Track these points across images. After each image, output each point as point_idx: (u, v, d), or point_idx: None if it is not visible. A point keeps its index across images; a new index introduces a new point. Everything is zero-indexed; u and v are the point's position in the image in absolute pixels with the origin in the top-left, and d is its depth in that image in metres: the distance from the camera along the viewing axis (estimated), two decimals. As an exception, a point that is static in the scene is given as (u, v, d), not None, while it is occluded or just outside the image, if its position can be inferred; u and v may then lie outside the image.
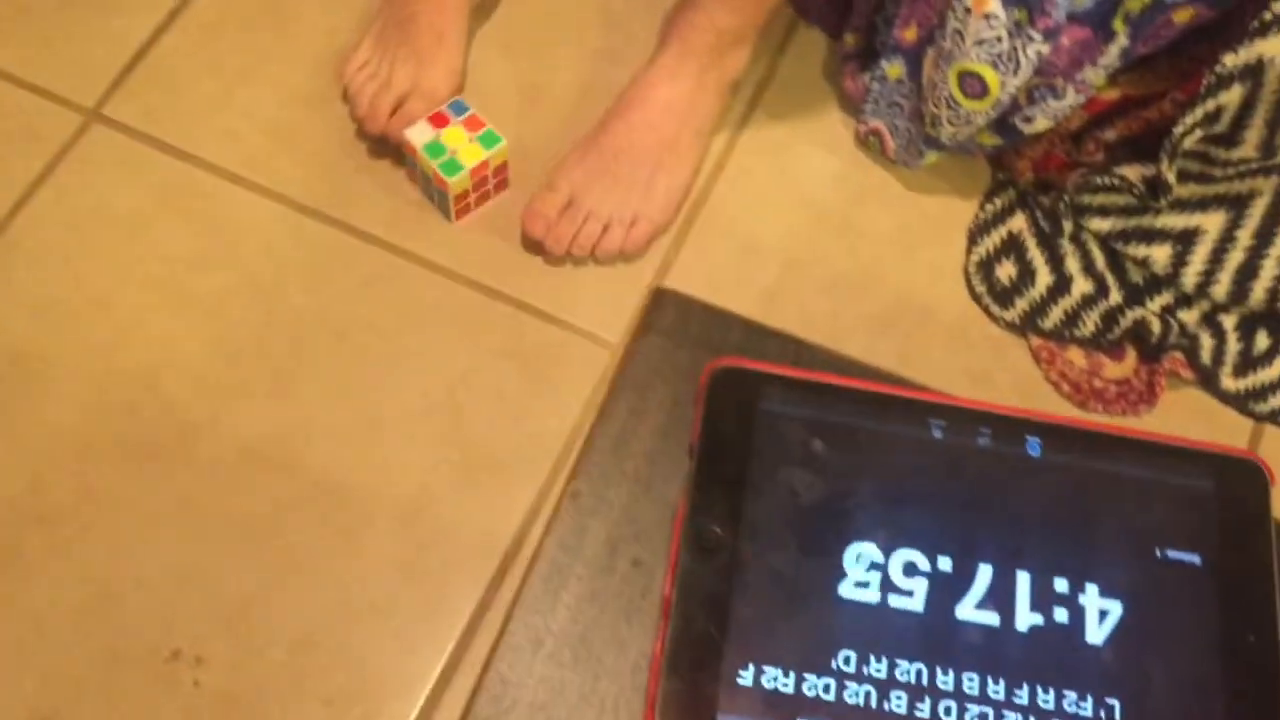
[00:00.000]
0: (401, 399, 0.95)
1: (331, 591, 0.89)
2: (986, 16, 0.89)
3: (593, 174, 0.99)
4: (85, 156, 1.01)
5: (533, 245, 1.00)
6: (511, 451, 0.94)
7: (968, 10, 0.90)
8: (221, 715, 0.85)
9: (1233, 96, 0.88)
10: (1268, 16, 0.85)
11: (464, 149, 0.98)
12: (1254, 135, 0.92)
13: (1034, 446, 0.45)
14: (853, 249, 1.06)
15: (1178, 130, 0.90)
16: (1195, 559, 0.43)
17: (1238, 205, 0.99)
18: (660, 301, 0.50)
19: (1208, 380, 1.01)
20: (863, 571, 0.43)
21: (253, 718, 0.85)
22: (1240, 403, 1.01)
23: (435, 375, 0.97)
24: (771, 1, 0.96)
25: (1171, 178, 0.93)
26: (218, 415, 0.93)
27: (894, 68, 1.04)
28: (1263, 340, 1.02)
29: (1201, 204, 1.00)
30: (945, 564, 0.43)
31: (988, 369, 1.02)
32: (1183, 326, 1.01)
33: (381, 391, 0.96)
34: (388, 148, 1.03)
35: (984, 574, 0.43)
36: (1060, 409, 1.00)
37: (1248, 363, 1.02)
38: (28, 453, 0.90)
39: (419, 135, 0.98)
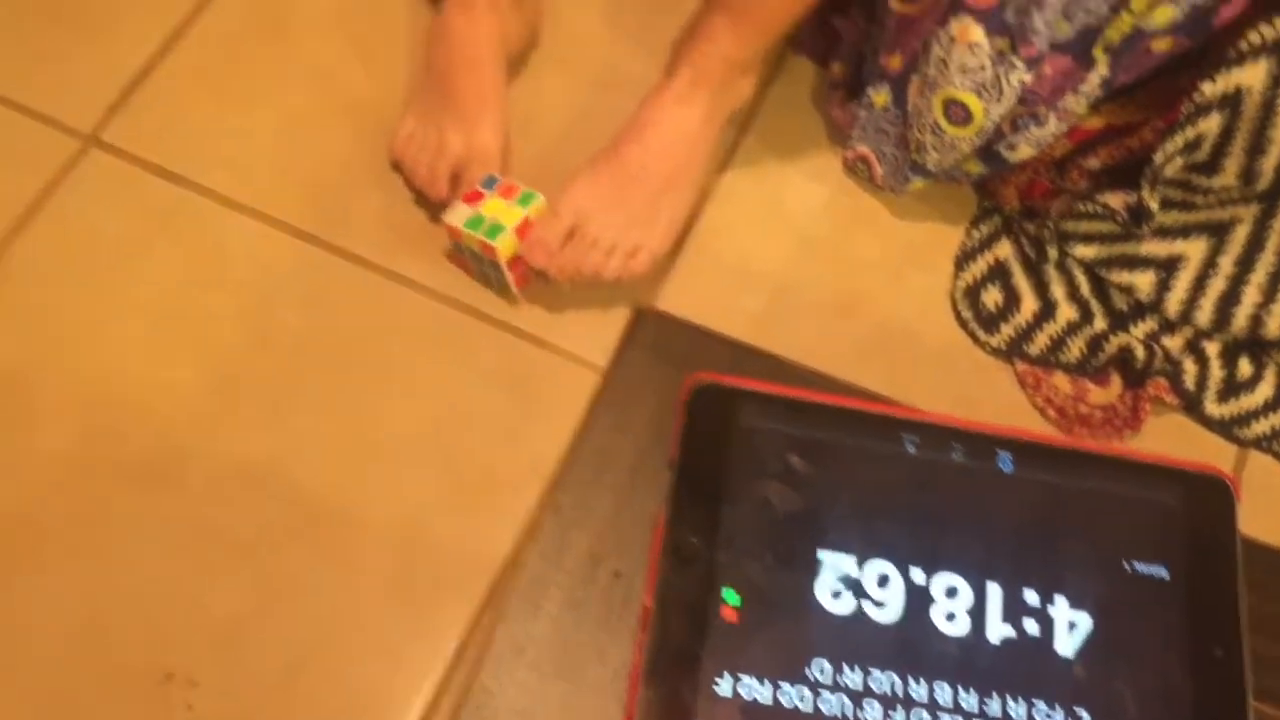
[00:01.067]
0: (393, 422, 0.96)
1: (323, 613, 0.89)
2: (970, 45, 0.91)
3: (601, 200, 0.98)
4: (82, 181, 1.02)
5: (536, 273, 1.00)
6: (502, 473, 0.95)
7: (952, 39, 0.92)
8: (212, 736, 0.85)
9: (1211, 125, 0.90)
10: (1244, 46, 0.87)
11: (504, 213, 0.98)
12: (1234, 163, 0.94)
13: (1005, 461, 0.46)
14: (840, 274, 1.07)
15: (1158, 158, 0.92)
16: (1163, 572, 0.44)
17: (1219, 232, 1.01)
18: (644, 320, 0.51)
19: (1192, 406, 1.02)
20: (837, 582, 0.44)
21: (243, 739, 0.85)
22: (1224, 428, 1.02)
23: (427, 398, 0.97)
24: (777, 32, 0.97)
25: (1154, 205, 0.95)
26: (209, 438, 0.94)
27: (880, 95, 1.06)
28: (1245, 366, 1.03)
29: (1184, 231, 1.01)
30: (918, 575, 0.44)
31: (974, 394, 1.03)
32: (1167, 353, 1.02)
33: (373, 414, 0.96)
34: (383, 177, 1.05)
35: (956, 586, 0.44)
36: (1045, 433, 1.01)
37: (1231, 389, 1.03)
38: (21, 476, 0.91)
39: (457, 215, 0.98)
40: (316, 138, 1.07)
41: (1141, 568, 0.44)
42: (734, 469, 0.45)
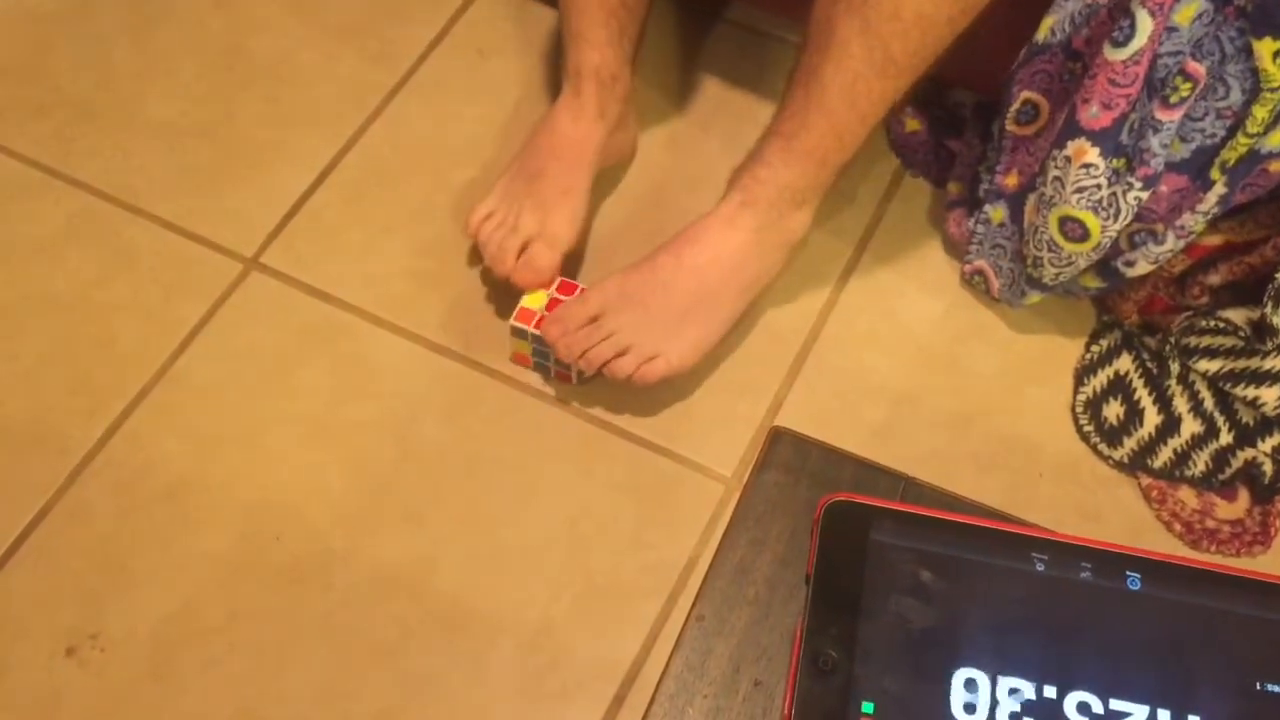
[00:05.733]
0: (525, 528, 1.01)
1: (458, 713, 0.92)
2: (1086, 165, 0.93)
3: (628, 299, 0.99)
4: (243, 301, 1.11)
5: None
6: (629, 580, 0.98)
7: (1068, 159, 0.95)
8: (350, 832, 0.88)
9: (1334, 242, 0.91)
10: (1365, 166, 0.88)
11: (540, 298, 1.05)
12: (1358, 278, 0.94)
13: (1133, 581, 0.48)
14: (959, 387, 1.09)
15: (1280, 274, 0.93)
16: (1296, 692, 0.45)
17: (1347, 346, 1.00)
18: (778, 440, 0.54)
19: (1325, 520, 1.00)
20: (971, 696, 0.46)
21: (379, 835, 0.88)
22: (1360, 544, 1.00)
23: (557, 506, 1.02)
24: (835, 163, 0.96)
25: (1277, 321, 0.95)
26: (354, 543, 0.99)
27: (997, 212, 1.08)
28: (1381, 481, 1.02)
29: (1310, 345, 1.01)
30: (1050, 692, 0.46)
31: (1098, 507, 1.03)
32: (1297, 466, 1.01)
33: (506, 521, 1.01)
34: (512, 292, 1.11)
35: (1089, 703, 0.45)
36: (1172, 548, 1.00)
37: (1366, 503, 1.01)
38: (183, 575, 0.97)
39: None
40: (453, 259, 1.14)
41: (1274, 688, 0.45)
42: (868, 584, 0.48)
